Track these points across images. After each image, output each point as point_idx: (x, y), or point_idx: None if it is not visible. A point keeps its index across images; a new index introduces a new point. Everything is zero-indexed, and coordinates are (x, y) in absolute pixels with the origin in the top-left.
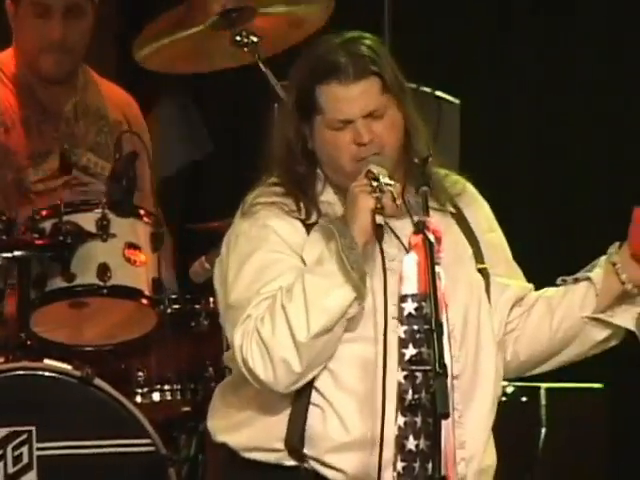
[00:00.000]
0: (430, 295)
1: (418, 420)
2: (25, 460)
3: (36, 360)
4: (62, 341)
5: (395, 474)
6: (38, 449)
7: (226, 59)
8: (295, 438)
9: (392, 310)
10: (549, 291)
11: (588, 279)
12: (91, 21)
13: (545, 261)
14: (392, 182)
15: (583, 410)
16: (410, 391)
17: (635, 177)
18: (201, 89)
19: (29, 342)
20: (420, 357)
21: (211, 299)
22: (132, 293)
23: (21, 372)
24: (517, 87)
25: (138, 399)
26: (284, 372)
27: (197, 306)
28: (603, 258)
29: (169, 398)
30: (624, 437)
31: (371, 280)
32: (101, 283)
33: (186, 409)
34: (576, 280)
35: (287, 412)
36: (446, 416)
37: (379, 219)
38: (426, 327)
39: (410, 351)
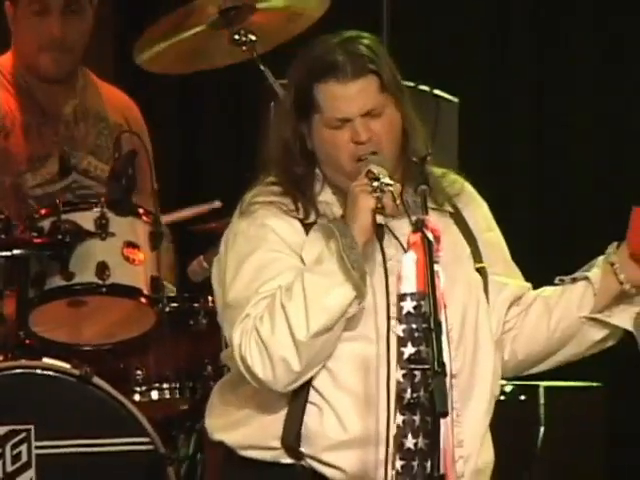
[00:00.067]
0: (429, 294)
1: (417, 419)
2: (24, 459)
3: (35, 359)
4: (61, 340)
5: (394, 472)
6: (37, 448)
7: (225, 57)
8: (291, 436)
9: (391, 309)
10: (547, 290)
11: (586, 279)
12: (90, 20)
13: (544, 261)
14: (392, 182)
15: (582, 408)
16: (409, 390)
17: (635, 177)
18: (202, 89)
19: (28, 341)
20: (419, 356)
21: (210, 298)
22: (131, 292)
23: (20, 371)
24: (516, 86)
25: (137, 398)
26: (283, 371)
27: (196, 305)
28: (601, 258)
29: (168, 397)
30: (622, 435)
31: (371, 279)
32: (100, 282)
33: (185, 408)
34: (574, 280)
35: (284, 411)
36: (444, 415)
37: (380, 219)
38: (425, 326)
39: (409, 350)
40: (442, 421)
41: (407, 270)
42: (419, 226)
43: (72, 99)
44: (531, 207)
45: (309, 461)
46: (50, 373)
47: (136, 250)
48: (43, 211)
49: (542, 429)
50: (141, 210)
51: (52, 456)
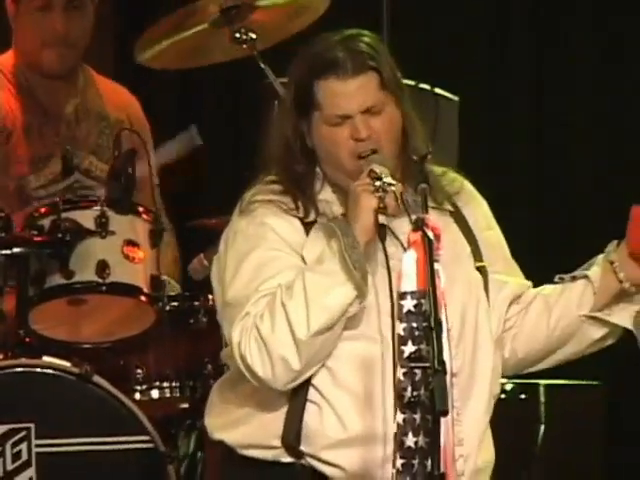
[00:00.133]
0: (429, 292)
1: (417, 417)
2: (24, 457)
3: (35, 357)
4: (61, 338)
5: (394, 471)
6: (37, 446)
7: (226, 55)
8: (291, 435)
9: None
10: (547, 289)
11: (586, 277)
12: (91, 17)
13: (544, 260)
14: (394, 182)
15: (582, 407)
16: (409, 388)
17: (635, 177)
18: (201, 86)
19: (28, 339)
20: (419, 354)
21: (210, 296)
22: (131, 290)
23: (20, 369)
24: (516, 85)
25: (137, 396)
26: (283, 369)
27: (196, 303)
28: (601, 256)
29: (168, 395)
30: (622, 434)
31: (373, 279)
32: (100, 280)
33: (185, 406)
34: (574, 278)
35: (284, 409)
36: (445, 413)
37: (382, 219)
38: (425, 324)
39: (409, 348)
40: (442, 420)
41: (407, 268)
42: (419, 225)
43: (73, 98)
44: (531, 206)
45: (309, 460)
46: (50, 371)
47: (136, 248)
48: (43, 209)
49: (542, 427)
50: (141, 208)
51: (52, 454)
